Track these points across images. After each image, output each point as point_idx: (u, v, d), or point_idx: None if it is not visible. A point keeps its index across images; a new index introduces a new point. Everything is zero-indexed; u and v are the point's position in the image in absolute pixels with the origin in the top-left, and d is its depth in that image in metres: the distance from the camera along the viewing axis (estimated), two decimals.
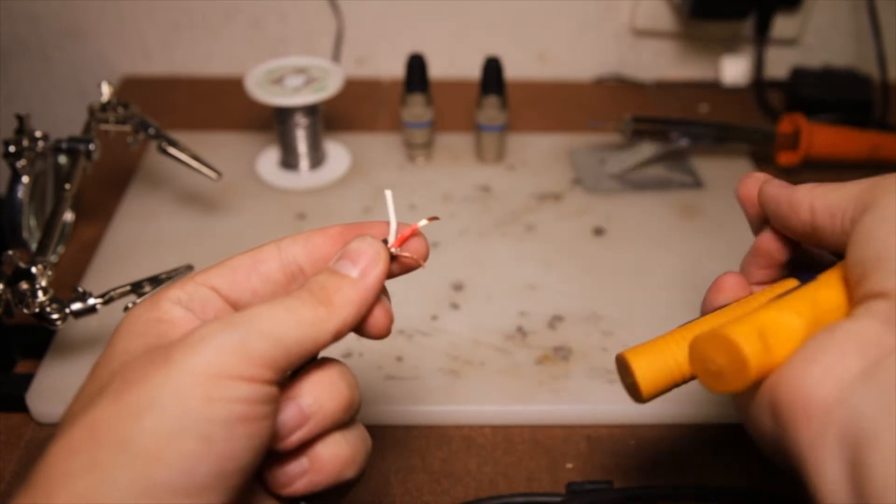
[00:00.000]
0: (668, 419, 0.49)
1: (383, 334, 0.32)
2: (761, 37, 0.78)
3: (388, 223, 0.32)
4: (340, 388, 0.30)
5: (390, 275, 0.32)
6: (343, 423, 0.31)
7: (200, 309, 0.30)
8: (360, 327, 0.31)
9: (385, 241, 0.32)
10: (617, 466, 0.46)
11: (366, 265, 0.30)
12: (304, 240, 0.32)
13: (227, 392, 0.26)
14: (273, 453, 0.30)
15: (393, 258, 0.32)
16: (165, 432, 0.25)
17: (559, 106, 0.80)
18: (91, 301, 0.46)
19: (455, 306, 0.55)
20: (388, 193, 0.32)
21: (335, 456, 0.30)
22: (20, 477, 0.45)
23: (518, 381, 0.50)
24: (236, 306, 0.31)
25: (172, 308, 0.30)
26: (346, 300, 0.29)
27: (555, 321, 0.54)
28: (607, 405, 0.49)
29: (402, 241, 0.32)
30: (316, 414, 0.29)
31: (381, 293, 0.31)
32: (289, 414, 0.29)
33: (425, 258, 0.33)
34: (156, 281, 0.47)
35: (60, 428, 0.27)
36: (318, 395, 0.29)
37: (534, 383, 0.50)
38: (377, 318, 0.31)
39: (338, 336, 0.29)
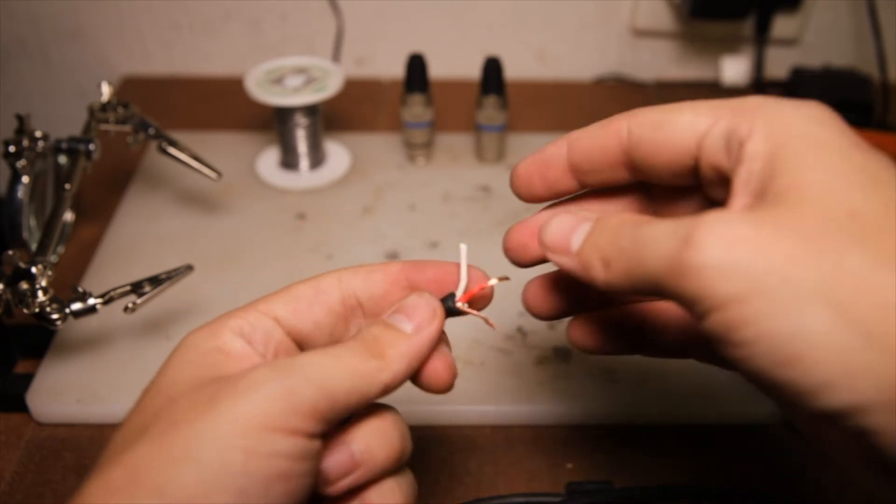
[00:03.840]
0: (667, 419, 0.49)
1: (445, 388, 0.31)
2: (761, 37, 0.78)
3: (446, 264, 0.32)
4: (393, 437, 0.30)
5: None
6: (392, 471, 0.30)
7: (262, 341, 0.30)
8: (419, 380, 0.31)
9: (449, 297, 0.31)
10: (617, 466, 0.46)
11: (420, 321, 0.30)
12: (364, 274, 0.32)
13: (269, 446, 0.25)
14: (325, 498, 0.29)
15: (459, 313, 0.32)
16: (203, 484, 0.24)
17: (559, 106, 0.80)
18: (91, 301, 0.46)
19: None
20: (464, 248, 0.32)
21: None
22: (20, 477, 0.45)
23: (518, 381, 0.50)
24: (297, 337, 0.31)
25: (233, 339, 0.29)
26: (398, 354, 0.29)
27: (555, 321, 0.54)
28: (607, 405, 0.49)
29: (470, 297, 0.32)
30: (367, 462, 0.29)
31: (442, 343, 0.31)
32: (338, 459, 0.29)
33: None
34: (156, 281, 0.47)
35: (101, 463, 0.26)
36: (370, 442, 0.29)
37: (534, 383, 0.50)
38: (437, 371, 0.30)
39: (387, 390, 0.29)
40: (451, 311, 0.31)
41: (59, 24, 0.82)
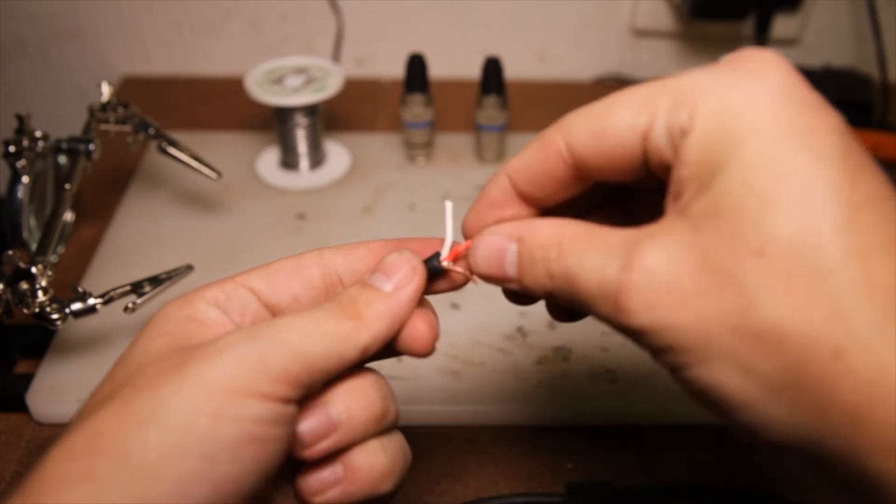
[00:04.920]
0: (667, 419, 0.49)
1: (426, 350, 0.29)
2: (761, 37, 0.78)
3: (430, 240, 0.31)
4: (373, 397, 0.29)
5: (438, 290, 0.31)
6: (373, 434, 0.29)
7: (238, 311, 0.29)
8: (400, 343, 0.29)
9: (433, 257, 0.30)
10: (617, 466, 0.46)
11: (400, 279, 0.29)
12: (345, 250, 0.31)
13: (238, 410, 0.24)
14: (304, 461, 0.29)
15: (443, 273, 0.30)
16: (166, 448, 0.24)
17: (559, 106, 0.79)
18: (91, 301, 0.46)
19: (455, 306, 0.55)
20: (449, 205, 0.31)
21: (372, 466, 0.29)
22: (20, 477, 0.45)
23: (518, 381, 0.50)
24: (275, 310, 0.30)
25: (208, 308, 0.29)
26: (376, 315, 0.28)
27: (554, 321, 0.54)
28: (607, 405, 0.49)
29: (456, 256, 0.31)
30: (345, 423, 0.28)
31: (423, 306, 0.30)
32: (315, 421, 0.28)
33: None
34: (156, 281, 0.47)
35: (66, 430, 0.26)
36: (349, 403, 0.28)
37: (534, 383, 0.50)
38: (419, 331, 0.29)
39: (366, 352, 0.28)
40: (435, 271, 0.30)
41: (59, 24, 0.82)
